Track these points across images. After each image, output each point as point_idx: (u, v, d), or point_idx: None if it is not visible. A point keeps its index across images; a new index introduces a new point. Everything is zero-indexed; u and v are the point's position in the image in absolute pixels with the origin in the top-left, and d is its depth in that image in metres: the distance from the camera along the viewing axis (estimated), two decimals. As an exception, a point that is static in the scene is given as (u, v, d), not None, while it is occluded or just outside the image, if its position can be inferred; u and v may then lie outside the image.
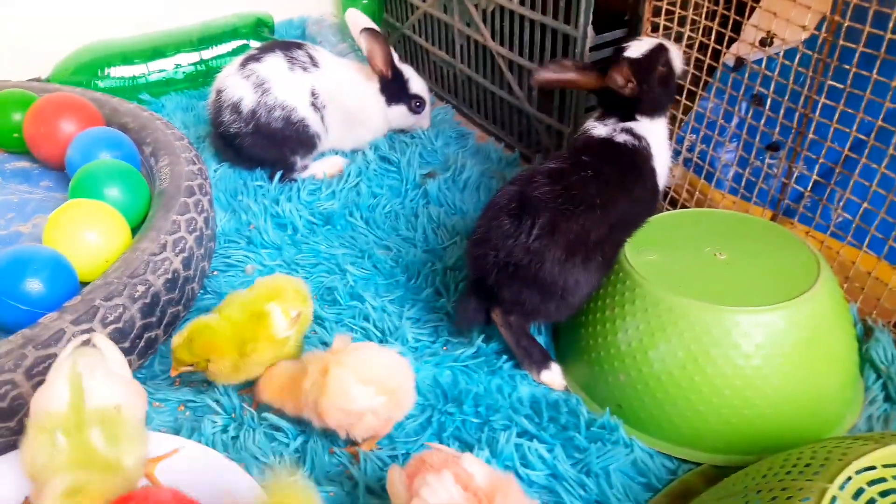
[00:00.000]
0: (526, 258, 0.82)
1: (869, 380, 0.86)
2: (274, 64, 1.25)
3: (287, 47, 1.28)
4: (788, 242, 0.86)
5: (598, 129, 0.94)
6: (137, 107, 1.30)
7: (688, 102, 1.10)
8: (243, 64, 1.25)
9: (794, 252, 0.84)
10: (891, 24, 0.81)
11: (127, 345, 0.87)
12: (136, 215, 1.07)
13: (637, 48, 0.93)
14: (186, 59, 1.55)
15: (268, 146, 1.25)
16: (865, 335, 0.90)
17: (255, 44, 1.55)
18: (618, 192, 0.86)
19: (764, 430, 0.77)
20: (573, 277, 0.82)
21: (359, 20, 1.31)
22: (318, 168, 1.30)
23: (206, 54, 1.56)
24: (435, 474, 0.58)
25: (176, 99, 1.54)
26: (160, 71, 1.54)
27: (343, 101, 1.30)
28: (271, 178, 1.28)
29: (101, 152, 1.13)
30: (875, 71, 0.84)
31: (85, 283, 0.92)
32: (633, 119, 0.93)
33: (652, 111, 0.94)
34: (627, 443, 0.78)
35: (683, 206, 1.14)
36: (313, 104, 1.27)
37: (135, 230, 1.03)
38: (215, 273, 1.09)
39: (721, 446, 0.78)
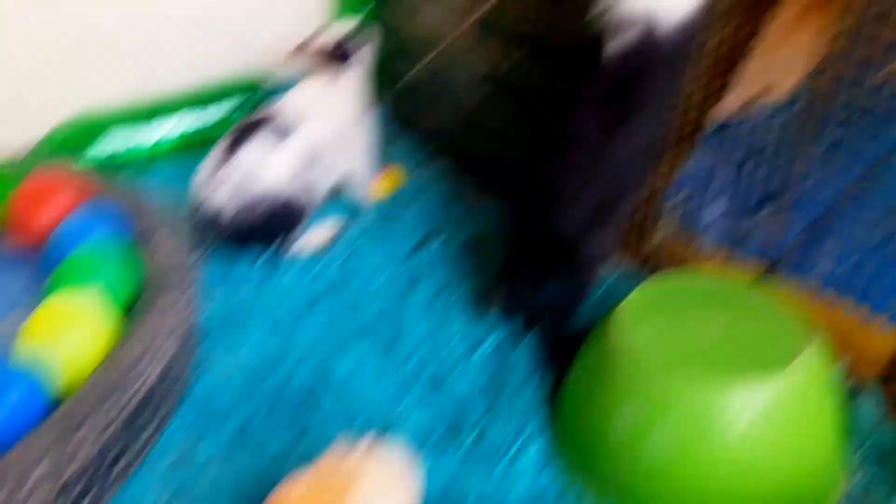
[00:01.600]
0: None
1: (854, 444, 0.86)
2: (256, 150, 1.21)
3: (253, 126, 1.24)
4: (775, 306, 0.85)
5: None
6: (125, 185, 1.29)
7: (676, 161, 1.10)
8: (217, 166, 1.22)
9: (779, 315, 0.83)
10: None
11: (118, 448, 0.86)
12: (126, 299, 1.05)
13: None
14: (175, 126, 1.55)
15: (257, 237, 1.24)
16: (851, 397, 0.90)
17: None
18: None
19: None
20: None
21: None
22: (310, 238, 1.28)
23: (196, 120, 1.56)
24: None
25: (165, 169, 1.52)
26: (148, 140, 1.54)
27: (331, 124, 1.27)
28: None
29: (93, 233, 1.12)
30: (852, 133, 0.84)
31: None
32: None
33: None
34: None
35: (671, 264, 1.13)
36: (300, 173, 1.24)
37: (125, 313, 1.02)
38: (205, 365, 1.06)
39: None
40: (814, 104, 0.88)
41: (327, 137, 1.26)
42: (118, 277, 1.05)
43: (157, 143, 1.54)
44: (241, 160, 1.20)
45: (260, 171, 1.20)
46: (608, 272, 1.16)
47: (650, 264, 1.18)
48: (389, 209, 1.37)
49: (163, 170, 1.53)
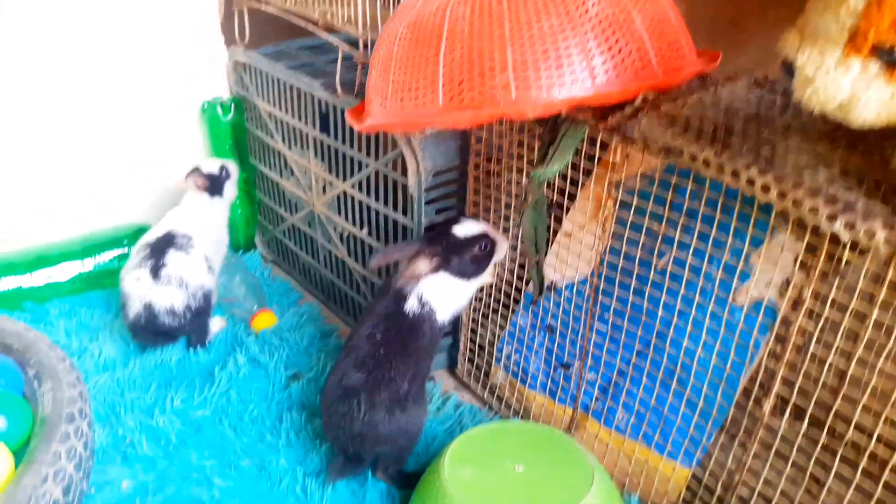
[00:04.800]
0: (364, 428, 1.14)
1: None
2: (176, 259, 1.47)
3: (166, 241, 1.50)
4: (570, 452, 1.10)
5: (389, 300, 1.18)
6: (24, 326, 1.40)
7: (503, 321, 1.38)
8: (154, 273, 1.46)
9: (574, 460, 1.08)
10: (633, 277, 1.11)
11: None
12: (19, 441, 1.18)
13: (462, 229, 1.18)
14: (70, 268, 1.69)
15: (196, 326, 1.52)
16: None
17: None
18: (406, 358, 1.16)
19: None
20: (403, 421, 1.15)
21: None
22: (214, 327, 1.59)
23: (89, 263, 1.70)
24: None
25: (59, 305, 1.66)
26: (46, 278, 1.66)
27: (210, 235, 1.58)
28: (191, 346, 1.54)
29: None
30: (628, 310, 1.14)
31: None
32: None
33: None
34: None
35: (507, 403, 1.39)
36: (209, 267, 1.54)
37: (17, 453, 1.14)
38: (92, 490, 1.19)
39: None
40: (596, 291, 1.19)
41: (211, 248, 1.58)
42: (12, 420, 1.17)
43: (51, 285, 1.68)
44: (173, 262, 1.47)
45: (189, 272, 1.49)
46: (455, 413, 1.40)
47: (489, 404, 1.43)
48: (263, 346, 1.55)
49: (58, 307, 1.66)
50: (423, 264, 1.15)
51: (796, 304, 0.94)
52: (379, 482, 1.22)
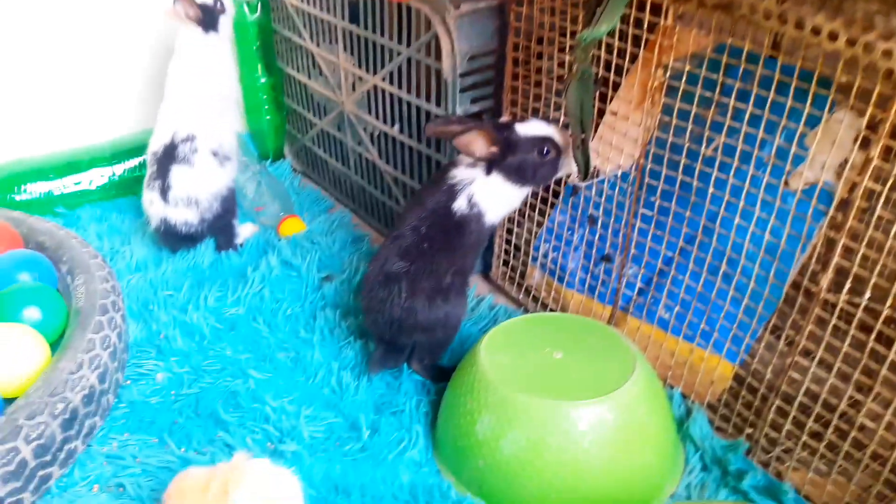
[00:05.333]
0: (403, 314, 1.11)
1: (689, 453, 1.06)
2: (182, 175, 1.43)
3: (168, 154, 1.44)
4: (613, 342, 1.06)
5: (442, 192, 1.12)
6: (54, 225, 1.41)
7: (540, 218, 1.33)
8: (163, 195, 1.43)
9: (616, 350, 1.04)
10: (681, 166, 1.05)
11: (48, 458, 0.98)
12: (54, 332, 1.18)
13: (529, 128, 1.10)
14: (100, 174, 1.67)
15: (220, 229, 1.50)
16: (687, 415, 1.11)
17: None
18: (451, 252, 1.12)
19: (597, 501, 0.95)
20: (442, 312, 1.12)
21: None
22: (244, 231, 1.55)
23: (118, 168, 1.68)
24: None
25: (90, 210, 1.65)
26: (75, 185, 1.65)
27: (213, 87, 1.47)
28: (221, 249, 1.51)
29: (20, 274, 1.24)
30: (673, 202, 1.08)
31: (9, 401, 1.02)
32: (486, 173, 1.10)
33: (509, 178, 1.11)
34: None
35: (543, 303, 1.35)
36: (222, 159, 1.47)
37: (53, 345, 1.14)
38: (128, 382, 1.19)
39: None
40: (642, 177, 1.12)
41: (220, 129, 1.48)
42: (47, 312, 1.17)
43: (81, 192, 1.67)
44: (177, 185, 1.43)
45: (197, 186, 1.44)
46: (489, 312, 1.37)
47: (525, 305, 1.39)
48: (295, 249, 1.52)
49: (89, 212, 1.65)
50: (479, 144, 1.07)
51: (854, 186, 0.86)
52: (414, 375, 1.20)
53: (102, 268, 1.29)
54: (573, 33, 1.11)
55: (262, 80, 1.79)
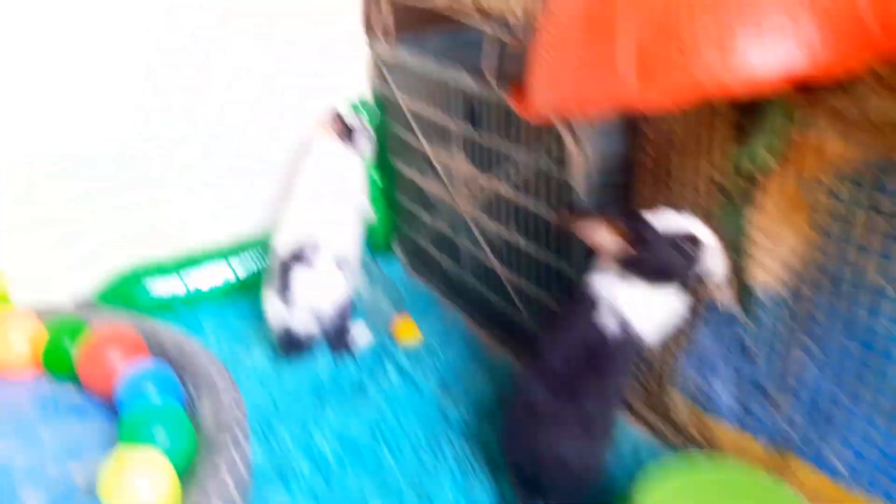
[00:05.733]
0: (546, 452, 1.04)
1: None
2: (303, 279, 1.41)
3: (292, 256, 1.42)
4: (780, 498, 0.94)
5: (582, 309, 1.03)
6: (181, 335, 1.40)
7: (684, 338, 1.22)
8: (284, 298, 1.42)
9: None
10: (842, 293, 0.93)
11: None
12: (181, 457, 1.15)
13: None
14: (220, 274, 1.68)
15: (336, 333, 1.46)
16: None
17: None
18: (600, 377, 1.03)
19: None
20: (587, 452, 1.04)
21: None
22: (359, 335, 1.51)
23: (239, 268, 1.69)
24: None
25: (210, 311, 1.66)
26: (196, 284, 1.67)
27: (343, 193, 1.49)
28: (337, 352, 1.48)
29: (149, 390, 1.22)
30: (836, 332, 0.96)
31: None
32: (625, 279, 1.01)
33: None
34: None
35: (687, 435, 1.24)
36: (342, 265, 1.44)
37: (179, 469, 1.10)
38: (253, 512, 1.15)
39: None
40: (800, 299, 1.01)
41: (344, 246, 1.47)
42: (174, 439, 1.14)
43: (201, 291, 1.68)
44: (298, 288, 1.42)
45: (318, 291, 1.42)
46: (627, 442, 1.26)
47: (667, 437, 1.27)
48: (411, 359, 1.47)
49: (211, 312, 1.66)
50: (607, 236, 0.99)
51: None
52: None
53: (229, 384, 1.27)
54: (719, 144, 1.03)
55: (375, 175, 1.78)
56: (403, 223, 1.85)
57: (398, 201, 1.83)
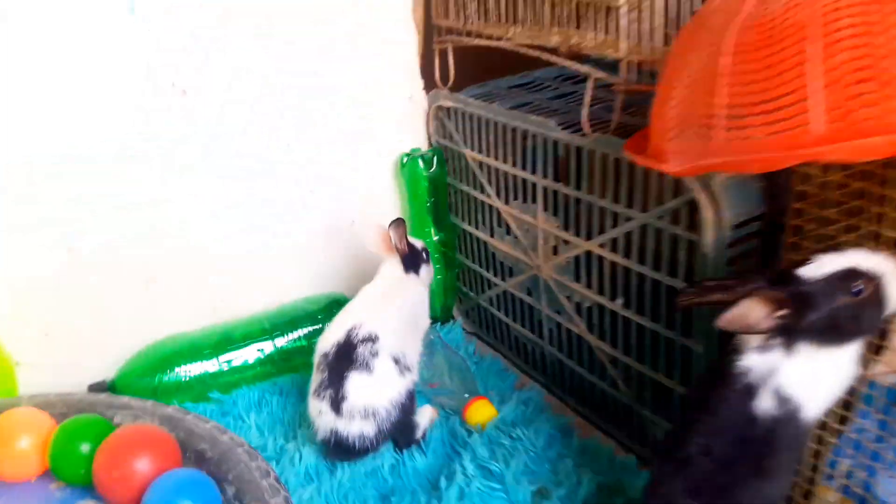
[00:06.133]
0: None
1: None
2: (359, 384, 1.19)
3: (345, 357, 1.21)
4: None
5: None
6: (215, 426, 1.19)
7: (835, 423, 1.01)
8: (336, 407, 1.20)
9: None
10: None
11: None
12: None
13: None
14: (257, 349, 1.49)
15: (401, 430, 1.25)
16: None
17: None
18: (761, 480, 0.83)
19: None
20: None
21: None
22: (423, 420, 1.30)
23: (279, 342, 1.49)
24: None
25: (247, 394, 1.45)
26: (228, 363, 1.47)
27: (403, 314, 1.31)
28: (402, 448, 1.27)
29: (180, 501, 1.02)
30: None
31: None
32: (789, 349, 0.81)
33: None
34: None
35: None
36: (402, 369, 1.24)
37: None
38: None
39: None
40: None
41: (403, 339, 1.28)
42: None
43: (237, 369, 1.47)
44: (353, 396, 1.20)
45: (376, 396, 1.21)
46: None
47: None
48: (490, 447, 1.25)
49: (247, 397, 1.44)
50: (758, 312, 0.79)
51: None
52: None
53: (276, 487, 1.07)
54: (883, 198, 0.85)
55: (434, 236, 1.60)
56: (467, 287, 1.67)
57: (460, 263, 1.65)
